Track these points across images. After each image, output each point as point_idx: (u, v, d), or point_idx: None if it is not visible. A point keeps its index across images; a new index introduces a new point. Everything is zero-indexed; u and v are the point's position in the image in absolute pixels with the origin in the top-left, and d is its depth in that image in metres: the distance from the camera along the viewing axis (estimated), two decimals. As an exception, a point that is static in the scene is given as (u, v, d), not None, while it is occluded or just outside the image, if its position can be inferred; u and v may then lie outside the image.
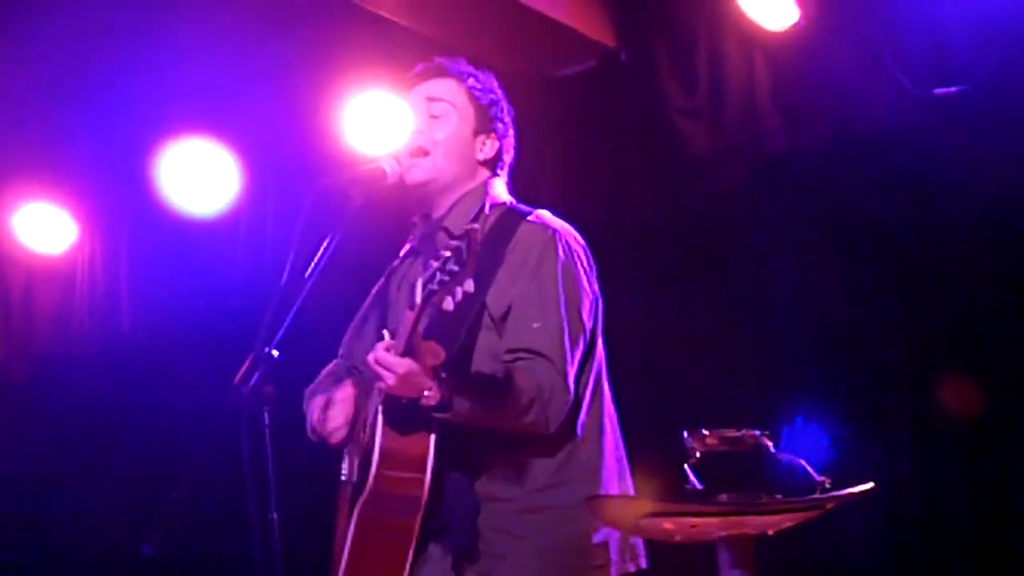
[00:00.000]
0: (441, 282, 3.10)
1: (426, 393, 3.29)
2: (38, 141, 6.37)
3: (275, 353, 3.28)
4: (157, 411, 6.57)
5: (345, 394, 3.69)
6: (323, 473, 3.75)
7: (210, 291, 6.44)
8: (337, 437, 3.68)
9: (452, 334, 3.44)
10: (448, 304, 3.12)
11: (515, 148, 3.88)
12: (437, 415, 3.34)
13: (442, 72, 3.81)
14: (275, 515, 3.20)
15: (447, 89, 3.78)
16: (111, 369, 6.90)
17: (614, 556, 3.55)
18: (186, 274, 6.57)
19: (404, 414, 3.40)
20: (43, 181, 6.72)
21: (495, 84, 3.86)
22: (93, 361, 6.97)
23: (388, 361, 3.26)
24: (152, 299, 6.77)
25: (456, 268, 3.08)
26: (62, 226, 6.89)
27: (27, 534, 6.97)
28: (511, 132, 3.85)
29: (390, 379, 3.27)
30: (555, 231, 3.63)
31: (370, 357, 3.32)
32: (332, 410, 3.68)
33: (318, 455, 3.77)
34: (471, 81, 3.80)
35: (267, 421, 3.23)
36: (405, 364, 3.25)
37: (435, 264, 3.13)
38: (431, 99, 3.76)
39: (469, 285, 3.09)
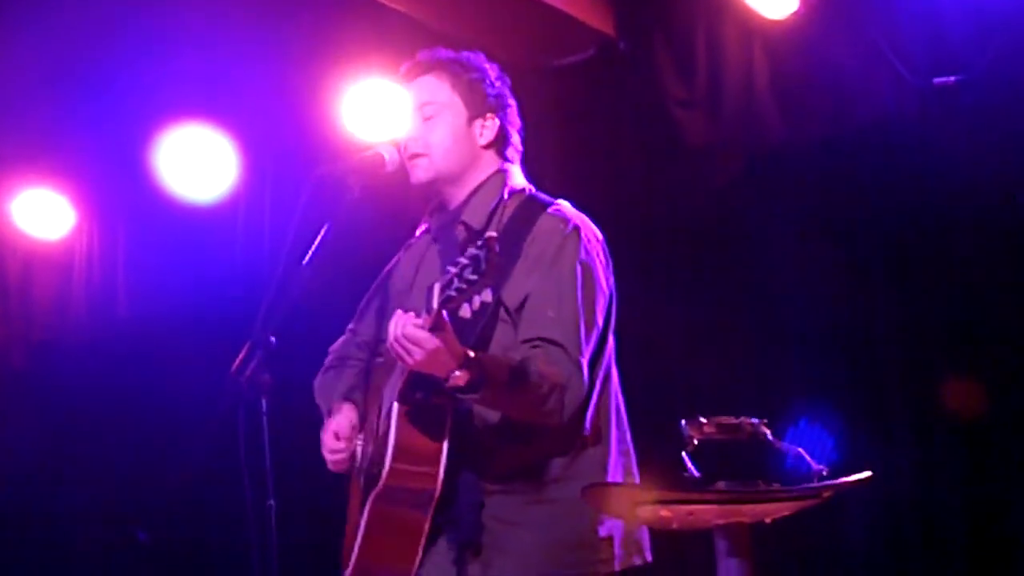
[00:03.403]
0: (459, 289, 3.10)
1: (456, 373, 3.25)
2: (37, 127, 6.37)
3: (272, 340, 3.27)
4: (154, 398, 6.57)
5: (352, 426, 3.70)
6: (320, 461, 3.75)
7: (208, 278, 6.43)
8: (340, 468, 3.70)
9: (469, 327, 3.41)
10: (465, 311, 3.13)
11: (520, 120, 3.81)
12: (463, 396, 3.31)
13: (422, 69, 3.74)
14: (272, 502, 3.21)
15: (431, 87, 3.72)
16: (108, 355, 6.90)
17: (618, 550, 3.54)
18: (184, 261, 6.56)
19: (421, 406, 3.40)
20: (41, 167, 6.71)
21: (481, 60, 3.78)
22: (90, 347, 6.97)
23: (416, 336, 3.21)
24: (150, 286, 6.77)
25: (474, 277, 3.07)
26: (60, 212, 6.89)
27: (24, 520, 6.98)
28: (511, 103, 3.78)
29: (418, 354, 3.22)
30: (576, 226, 3.60)
31: (396, 332, 3.25)
32: (340, 443, 3.69)
33: (315, 443, 3.77)
34: (452, 68, 3.72)
35: (264, 408, 3.23)
36: (435, 340, 3.19)
37: (453, 270, 3.12)
38: (420, 104, 3.71)
39: (487, 295, 3.10)
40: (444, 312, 3.18)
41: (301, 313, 3.37)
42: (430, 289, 3.19)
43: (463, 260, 3.10)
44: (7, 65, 5.94)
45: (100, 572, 6.94)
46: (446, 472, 3.38)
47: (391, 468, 3.38)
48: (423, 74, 3.74)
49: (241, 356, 3.27)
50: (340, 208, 3.52)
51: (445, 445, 3.39)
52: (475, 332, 3.42)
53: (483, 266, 3.06)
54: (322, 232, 3.46)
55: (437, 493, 3.38)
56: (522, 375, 3.34)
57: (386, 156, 3.64)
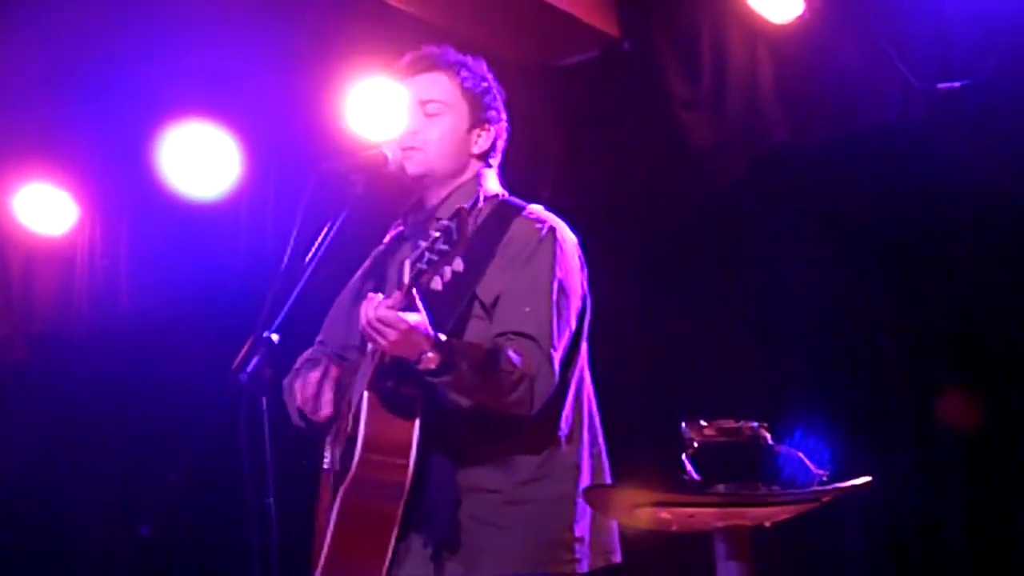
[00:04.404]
0: (430, 261, 3.14)
1: (427, 355, 3.27)
2: (40, 122, 6.36)
3: (275, 338, 3.28)
4: (155, 394, 6.57)
5: (331, 375, 3.65)
6: (319, 458, 3.75)
7: (210, 275, 6.43)
8: (325, 413, 3.63)
9: (442, 322, 3.43)
10: (436, 284, 3.17)
11: (508, 132, 3.83)
12: (434, 380, 3.32)
13: (432, 66, 3.76)
14: (271, 499, 3.21)
15: (439, 86, 3.74)
16: (110, 351, 6.90)
17: (588, 551, 3.56)
18: (186, 257, 6.56)
19: (392, 395, 3.40)
20: (44, 162, 6.71)
21: (485, 69, 3.81)
22: (92, 343, 6.97)
23: (390, 318, 3.22)
24: (152, 282, 6.76)
25: (445, 247, 3.12)
26: (63, 207, 6.88)
27: (25, 513, 6.98)
28: (504, 117, 3.81)
29: (392, 335, 3.23)
30: (552, 227, 3.62)
31: (370, 314, 3.25)
32: (322, 388, 3.64)
33: (315, 440, 3.77)
34: (463, 73, 3.74)
35: (265, 405, 3.23)
36: (407, 321, 3.21)
37: (424, 244, 3.16)
38: (424, 100, 3.73)
39: (458, 264, 3.14)
40: (416, 292, 3.21)
41: (303, 310, 3.37)
42: (401, 265, 3.24)
43: (434, 233, 3.15)
44: (10, 59, 5.94)
45: (100, 566, 6.94)
46: (417, 463, 3.38)
47: (361, 458, 3.38)
48: (430, 71, 3.75)
49: (243, 352, 3.27)
50: (343, 205, 3.52)
51: (416, 435, 3.39)
52: (450, 316, 3.44)
53: (455, 236, 3.11)
54: (325, 229, 3.47)
55: (408, 484, 3.38)
56: (492, 361, 3.36)
57: (389, 155, 3.66)
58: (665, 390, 5.44)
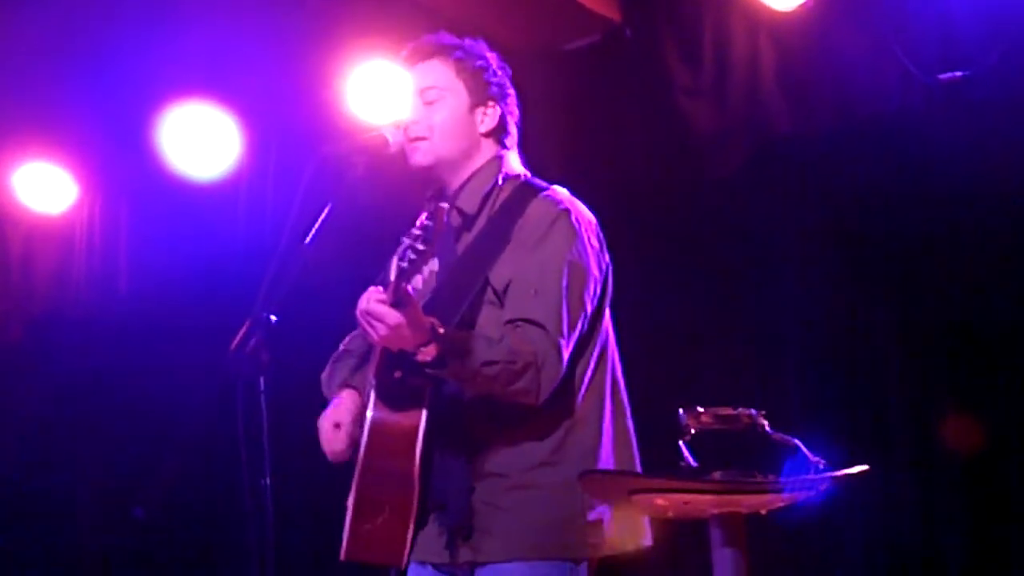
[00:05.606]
0: (411, 260, 3.16)
1: (424, 348, 3.27)
2: (40, 100, 6.36)
3: (273, 319, 3.27)
4: (153, 375, 6.57)
5: (352, 414, 3.68)
6: (317, 441, 3.75)
7: (209, 255, 6.43)
8: (340, 459, 3.67)
9: (453, 308, 3.44)
10: (417, 282, 3.26)
11: (519, 107, 3.82)
12: (431, 372, 3.32)
13: (426, 54, 3.75)
14: (268, 481, 3.21)
15: (433, 72, 3.72)
16: (107, 331, 6.90)
17: (609, 535, 3.53)
18: (185, 238, 6.56)
19: (398, 386, 3.41)
20: (44, 140, 6.71)
21: (483, 49, 3.79)
22: (90, 322, 6.97)
23: (379, 311, 3.23)
24: (150, 262, 6.76)
25: (423, 248, 3.14)
26: (62, 186, 6.88)
27: (20, 495, 6.98)
28: (510, 92, 3.80)
29: (381, 329, 3.24)
30: (565, 208, 3.60)
31: (362, 307, 3.28)
32: (339, 433, 3.67)
33: (313, 423, 3.77)
34: (456, 54, 3.73)
35: (263, 387, 3.23)
36: (397, 315, 3.21)
37: (407, 242, 3.17)
38: (422, 88, 3.72)
39: (434, 264, 3.25)
40: (409, 286, 3.22)
41: (301, 292, 3.37)
42: (390, 261, 3.24)
43: (416, 231, 3.17)
44: (11, 37, 5.93)
45: (96, 548, 6.95)
46: (424, 453, 3.38)
47: (367, 448, 3.40)
48: (426, 59, 3.75)
49: (240, 334, 3.27)
50: (342, 188, 3.52)
51: (423, 424, 3.38)
52: (462, 302, 3.46)
53: (430, 236, 3.14)
54: (324, 211, 3.46)
55: (416, 472, 3.38)
56: (494, 352, 3.34)
57: (389, 138, 3.65)
58: (663, 378, 5.44)
